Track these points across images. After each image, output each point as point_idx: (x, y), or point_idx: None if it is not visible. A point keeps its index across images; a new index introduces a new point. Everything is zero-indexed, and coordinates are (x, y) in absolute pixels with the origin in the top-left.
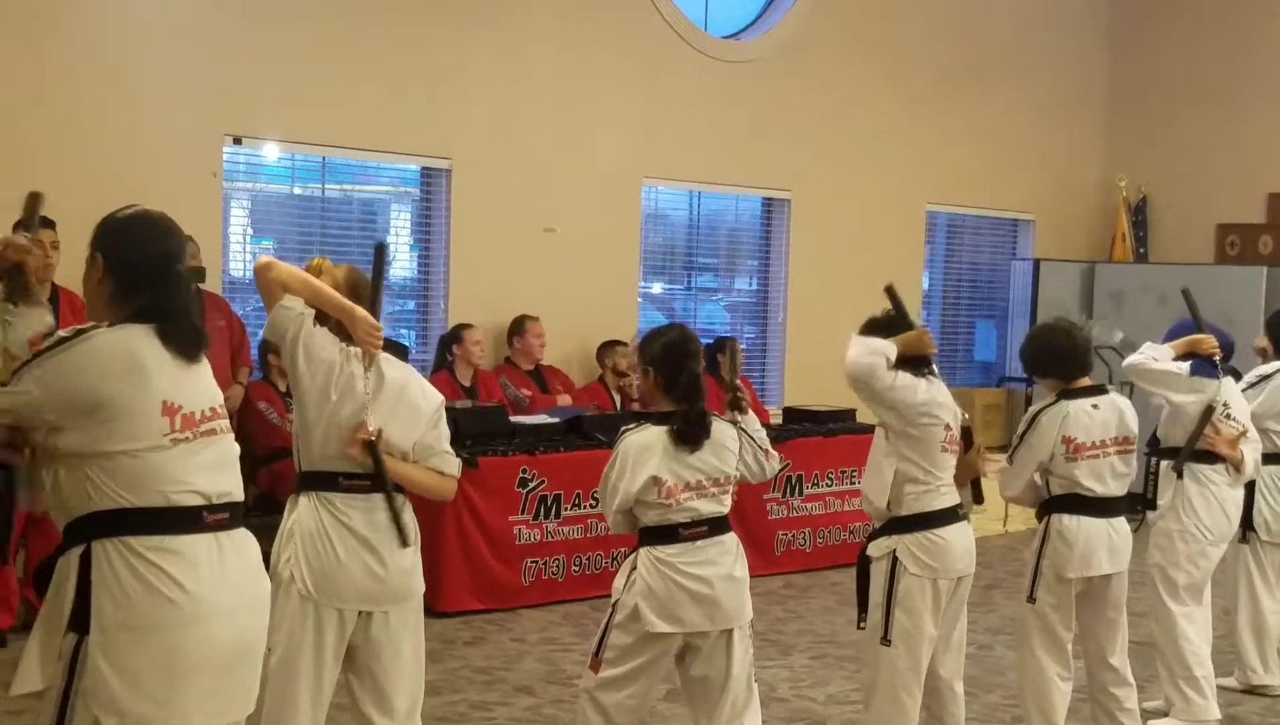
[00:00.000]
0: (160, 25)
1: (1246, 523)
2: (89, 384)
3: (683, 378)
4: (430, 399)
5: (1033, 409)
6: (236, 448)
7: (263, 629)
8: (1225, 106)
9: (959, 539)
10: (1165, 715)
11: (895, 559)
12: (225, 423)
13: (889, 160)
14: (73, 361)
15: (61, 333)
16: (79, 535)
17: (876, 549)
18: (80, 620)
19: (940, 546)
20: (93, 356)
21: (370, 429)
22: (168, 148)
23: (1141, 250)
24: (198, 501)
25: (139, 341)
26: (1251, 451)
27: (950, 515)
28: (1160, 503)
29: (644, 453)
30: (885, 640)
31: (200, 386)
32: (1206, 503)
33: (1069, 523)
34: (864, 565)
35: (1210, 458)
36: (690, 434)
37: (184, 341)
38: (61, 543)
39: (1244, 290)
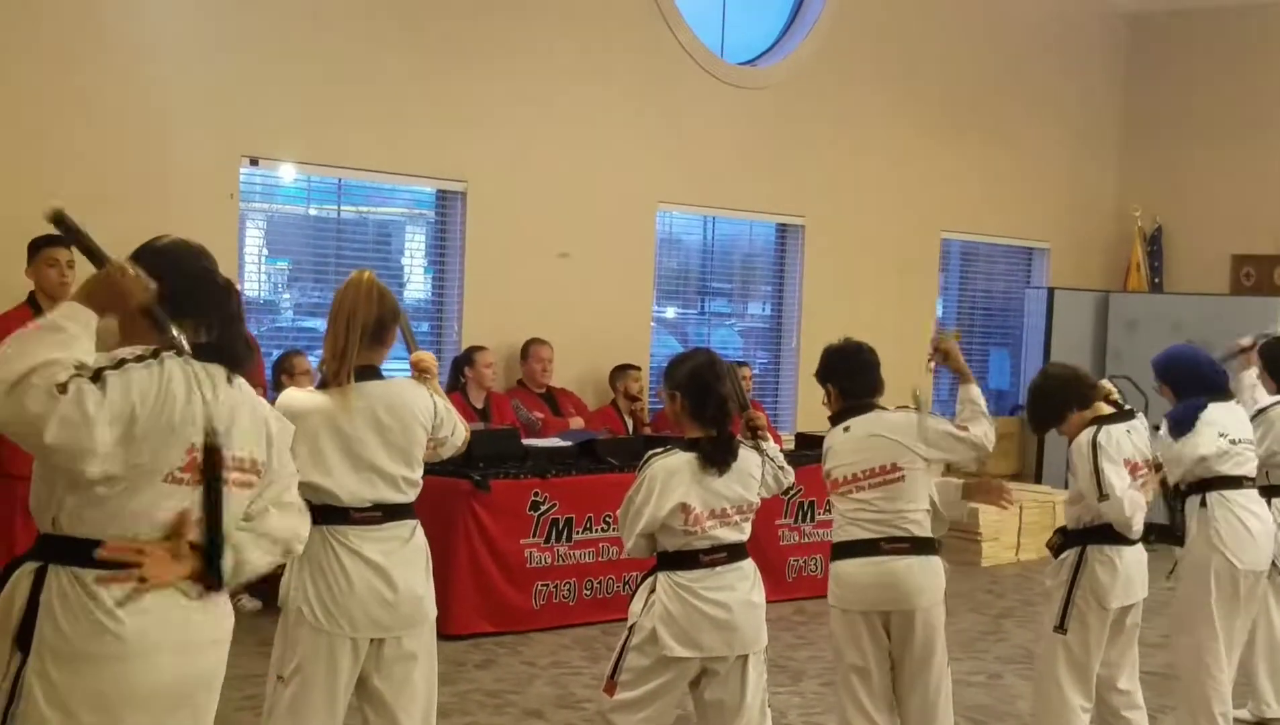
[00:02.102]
0: (181, 48)
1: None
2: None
3: (710, 402)
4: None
5: (1082, 440)
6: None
7: (217, 667)
8: (1240, 138)
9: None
10: None
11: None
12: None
13: (904, 187)
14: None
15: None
16: (41, 553)
17: None
18: (25, 640)
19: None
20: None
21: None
22: (187, 169)
23: (1156, 280)
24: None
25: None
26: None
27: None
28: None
29: (672, 478)
30: None
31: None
32: (1235, 532)
33: (1111, 552)
34: None
35: (1236, 482)
36: (718, 458)
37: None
38: (27, 551)
39: (1259, 321)
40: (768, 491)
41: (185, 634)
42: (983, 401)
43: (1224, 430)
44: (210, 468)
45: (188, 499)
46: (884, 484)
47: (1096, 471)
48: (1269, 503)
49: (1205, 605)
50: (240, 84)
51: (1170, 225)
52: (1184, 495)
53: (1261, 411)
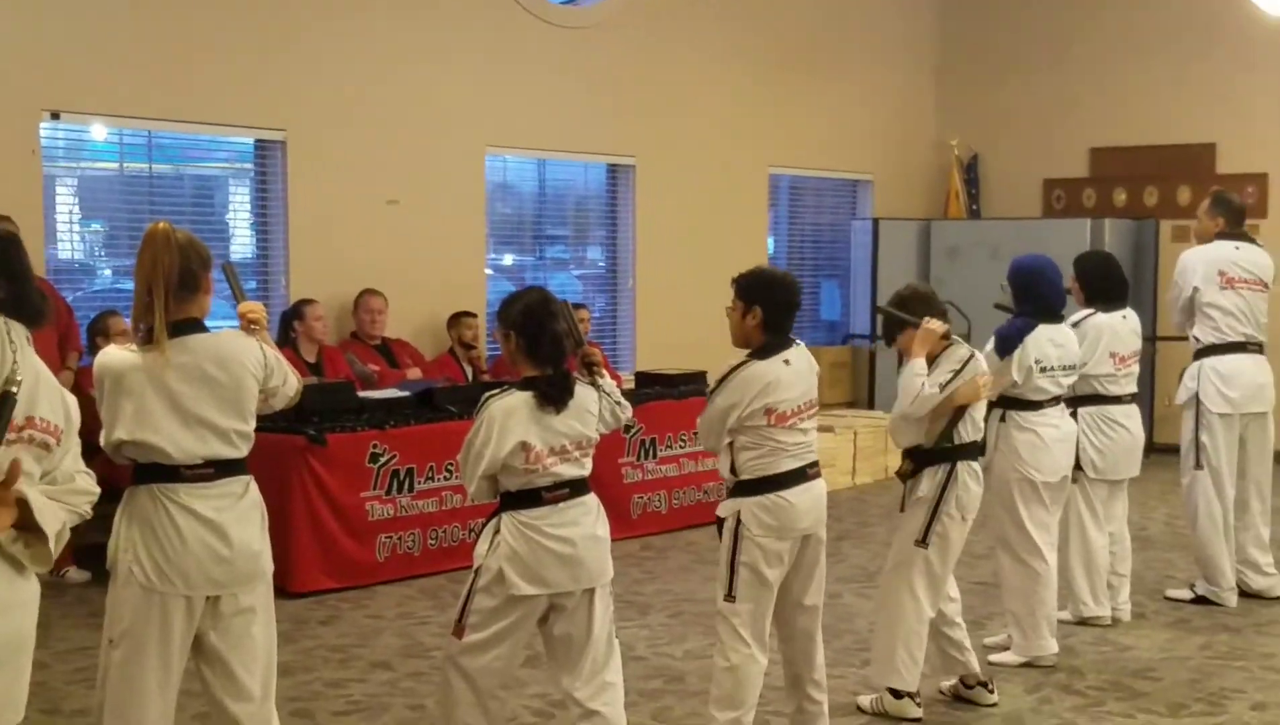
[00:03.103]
0: None
1: (1075, 462)
2: None
3: (545, 340)
4: None
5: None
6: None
7: (17, 634)
8: (1049, 65)
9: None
10: (1006, 649)
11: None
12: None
13: (731, 124)
14: None
15: None
16: None
17: None
18: None
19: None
20: None
21: None
22: None
23: (974, 207)
24: None
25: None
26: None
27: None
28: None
29: (510, 417)
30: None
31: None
32: (1031, 445)
33: (977, 467)
34: None
35: (1034, 405)
36: (555, 395)
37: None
38: None
39: (1070, 242)
40: (606, 427)
41: None
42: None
43: (1041, 357)
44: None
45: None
46: (815, 415)
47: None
48: (1074, 412)
49: (1016, 517)
50: (38, 33)
51: (985, 153)
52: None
53: (1075, 325)
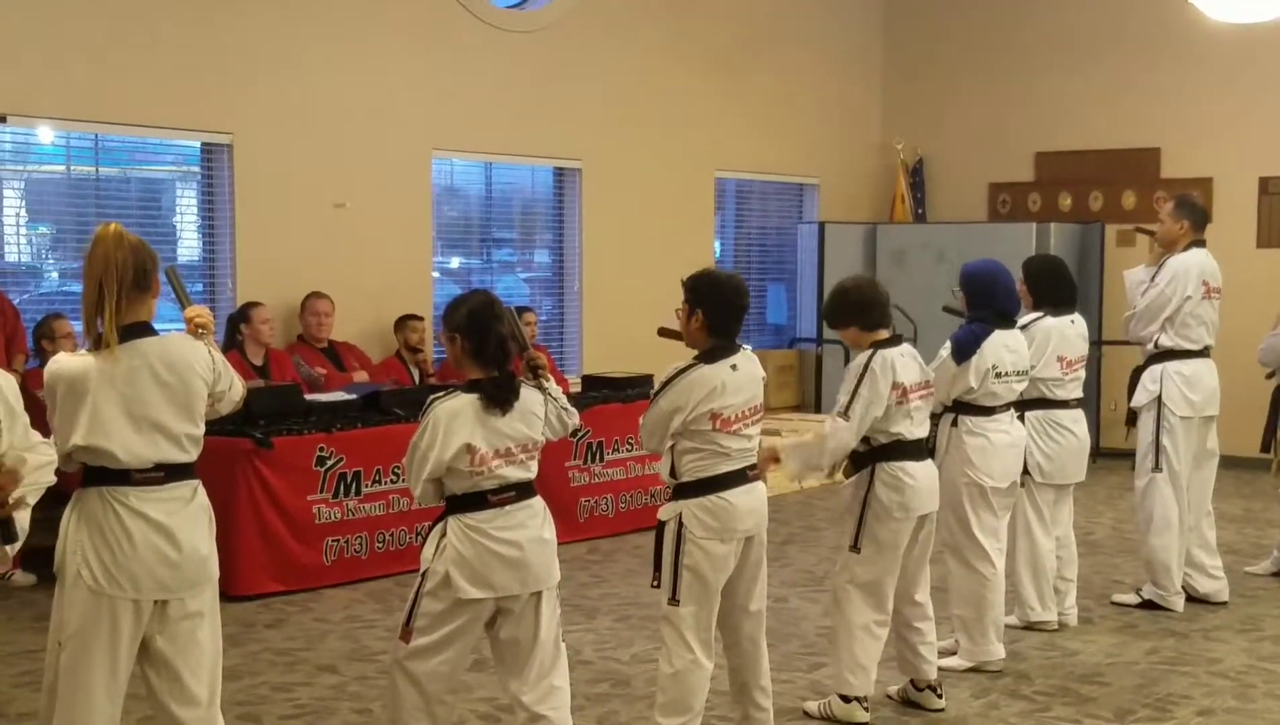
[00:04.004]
0: None
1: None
2: None
3: (490, 342)
4: None
5: (858, 361)
6: None
7: None
8: (994, 69)
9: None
10: (953, 654)
11: None
12: None
13: (677, 128)
14: None
15: None
16: None
17: None
18: None
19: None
20: None
21: None
22: None
23: (920, 210)
24: None
25: None
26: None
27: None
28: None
29: (455, 420)
30: None
31: None
32: (981, 450)
33: (897, 468)
34: None
35: (987, 411)
36: (500, 397)
37: None
38: None
39: (1015, 246)
40: (553, 433)
41: None
42: None
43: (997, 362)
44: None
45: None
46: (759, 421)
47: (855, 391)
48: (1021, 416)
49: (964, 522)
50: None
51: (931, 157)
52: (939, 413)
53: (1023, 327)
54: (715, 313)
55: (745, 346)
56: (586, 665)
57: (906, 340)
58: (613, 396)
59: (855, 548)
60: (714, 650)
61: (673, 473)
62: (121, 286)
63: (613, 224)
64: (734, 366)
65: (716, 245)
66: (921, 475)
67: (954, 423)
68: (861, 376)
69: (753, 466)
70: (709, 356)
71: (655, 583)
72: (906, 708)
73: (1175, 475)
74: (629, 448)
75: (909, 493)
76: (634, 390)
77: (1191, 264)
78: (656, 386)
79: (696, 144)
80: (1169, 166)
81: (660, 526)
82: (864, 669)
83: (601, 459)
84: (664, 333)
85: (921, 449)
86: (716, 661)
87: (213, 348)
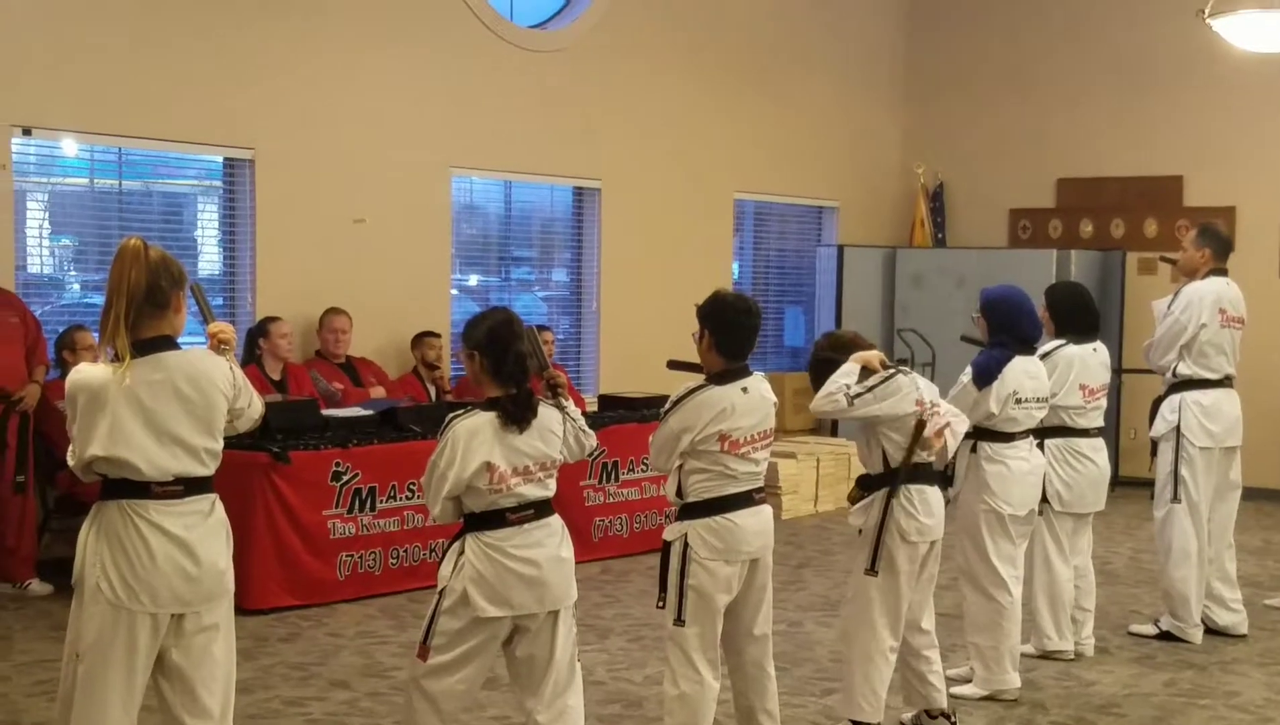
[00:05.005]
0: None
1: (1041, 495)
2: None
3: (509, 360)
4: None
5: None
6: None
7: None
8: (1016, 95)
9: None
10: (968, 682)
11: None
12: None
13: (697, 149)
14: None
15: None
16: None
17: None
18: None
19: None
20: None
21: None
22: None
23: (940, 235)
24: None
25: None
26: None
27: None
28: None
29: (474, 438)
30: None
31: None
32: (1001, 477)
33: (915, 491)
34: None
35: (1006, 437)
36: (519, 415)
37: None
38: None
39: (1036, 272)
40: (570, 454)
41: None
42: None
43: (1018, 388)
44: None
45: None
46: (768, 446)
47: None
48: (1041, 444)
49: (981, 550)
50: (10, 49)
51: (951, 181)
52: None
53: (1044, 356)
54: (723, 333)
55: (757, 372)
56: (599, 686)
57: (925, 365)
58: (628, 416)
59: (873, 570)
60: (720, 670)
61: (679, 493)
62: (132, 303)
63: (631, 244)
64: (745, 389)
65: (735, 267)
66: (935, 500)
67: (973, 449)
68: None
69: (760, 489)
70: (720, 378)
71: (661, 603)
72: None
73: (1194, 506)
74: (644, 468)
75: (926, 516)
76: (650, 410)
77: (1207, 292)
78: (667, 405)
79: (716, 165)
80: (1192, 195)
81: (666, 547)
82: (877, 695)
83: (616, 479)
84: (674, 365)
85: (934, 473)
86: (723, 683)
87: (234, 364)
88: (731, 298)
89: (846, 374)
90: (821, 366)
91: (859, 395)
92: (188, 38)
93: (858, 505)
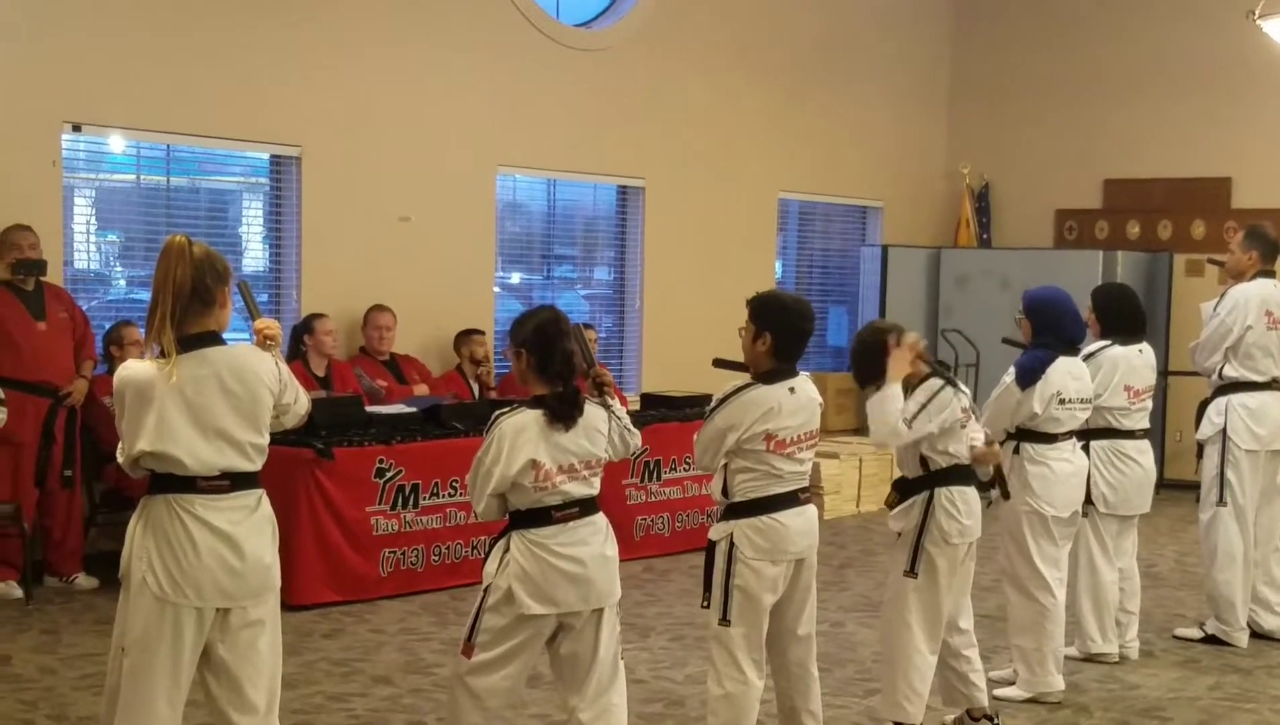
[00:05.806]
0: None
1: (1085, 497)
2: None
3: (556, 358)
4: None
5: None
6: None
7: None
8: (1063, 96)
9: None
10: (1011, 684)
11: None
12: None
13: (741, 148)
14: None
15: None
16: None
17: None
18: None
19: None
20: None
21: None
22: (4, 135)
23: (985, 235)
24: None
25: None
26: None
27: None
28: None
29: (520, 435)
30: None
31: None
32: (1044, 479)
33: (955, 492)
34: None
35: (1049, 438)
36: (565, 413)
37: None
38: None
39: (1082, 273)
40: (615, 454)
41: None
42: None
43: (1062, 389)
44: None
45: None
46: (814, 447)
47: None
48: (1086, 445)
49: (1024, 551)
50: (60, 47)
51: (997, 182)
52: (1001, 441)
53: (1089, 356)
54: (783, 337)
55: (803, 372)
56: (640, 684)
57: (968, 366)
58: (671, 415)
59: (912, 572)
60: (764, 671)
61: (725, 492)
62: (178, 300)
63: (674, 243)
64: (791, 389)
65: (778, 266)
66: (974, 499)
67: (1015, 450)
68: (926, 403)
69: (805, 489)
70: (768, 377)
71: (705, 603)
72: None
73: (1240, 510)
74: (686, 467)
75: (967, 517)
76: (692, 409)
77: (1253, 293)
78: (713, 403)
79: (759, 164)
80: (1240, 197)
81: (711, 546)
82: (919, 695)
83: (659, 478)
84: (720, 363)
85: (971, 473)
86: (766, 683)
87: (279, 360)
88: (792, 301)
89: (893, 399)
90: (866, 352)
91: (915, 416)
92: (235, 36)
93: (896, 509)
